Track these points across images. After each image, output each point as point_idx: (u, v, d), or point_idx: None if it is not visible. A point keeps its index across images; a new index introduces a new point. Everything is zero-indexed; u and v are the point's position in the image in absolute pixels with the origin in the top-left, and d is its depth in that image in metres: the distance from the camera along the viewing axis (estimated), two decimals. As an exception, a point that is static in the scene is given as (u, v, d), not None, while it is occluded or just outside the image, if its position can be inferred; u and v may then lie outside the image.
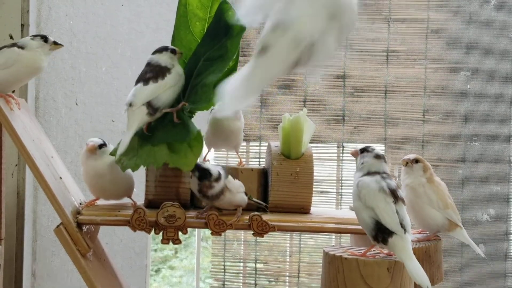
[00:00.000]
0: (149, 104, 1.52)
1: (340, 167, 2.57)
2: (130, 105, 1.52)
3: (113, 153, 1.56)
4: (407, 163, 1.67)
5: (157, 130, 1.55)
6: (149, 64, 1.58)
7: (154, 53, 1.60)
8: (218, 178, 1.49)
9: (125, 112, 1.53)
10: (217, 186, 1.49)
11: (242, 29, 1.52)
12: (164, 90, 1.53)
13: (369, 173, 1.42)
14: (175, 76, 1.55)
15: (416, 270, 1.31)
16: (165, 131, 1.53)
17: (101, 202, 1.64)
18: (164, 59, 1.57)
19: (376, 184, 1.39)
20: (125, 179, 1.60)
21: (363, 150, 1.45)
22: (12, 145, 1.75)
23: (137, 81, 1.55)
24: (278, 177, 1.62)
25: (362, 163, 1.44)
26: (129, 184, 1.62)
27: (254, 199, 1.61)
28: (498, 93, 2.52)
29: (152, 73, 1.54)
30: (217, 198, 1.50)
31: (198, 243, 2.66)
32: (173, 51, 1.58)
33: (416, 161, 1.67)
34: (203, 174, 1.48)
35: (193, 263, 2.88)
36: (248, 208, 1.60)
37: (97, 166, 1.58)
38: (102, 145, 1.59)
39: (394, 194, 1.38)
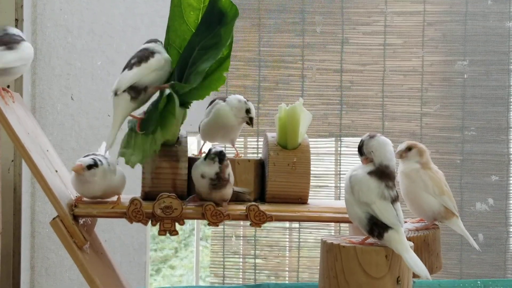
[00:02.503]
0: (131, 88, 1.50)
1: (338, 161, 2.56)
2: (116, 93, 1.50)
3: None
4: (401, 155, 1.66)
5: (151, 120, 1.53)
6: (140, 50, 1.58)
7: (148, 42, 1.60)
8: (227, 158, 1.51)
9: (110, 98, 1.52)
10: (229, 166, 1.50)
11: (235, 15, 1.51)
12: (148, 72, 1.52)
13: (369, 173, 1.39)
14: (159, 60, 1.54)
15: (414, 261, 1.31)
16: (156, 116, 1.53)
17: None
18: (157, 48, 1.57)
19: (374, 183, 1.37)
20: (117, 184, 1.55)
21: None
22: (8, 141, 1.74)
23: (124, 67, 1.55)
24: (275, 168, 1.61)
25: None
26: (120, 186, 1.58)
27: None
28: (496, 85, 2.52)
29: (136, 58, 1.54)
30: (227, 183, 1.49)
31: (197, 241, 2.65)
32: (162, 43, 1.61)
33: (409, 148, 1.66)
34: (221, 155, 1.48)
35: (193, 262, 2.87)
36: (241, 199, 1.60)
37: (88, 191, 1.50)
38: (91, 166, 1.48)
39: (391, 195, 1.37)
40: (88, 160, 1.49)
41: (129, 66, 1.53)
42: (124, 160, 1.53)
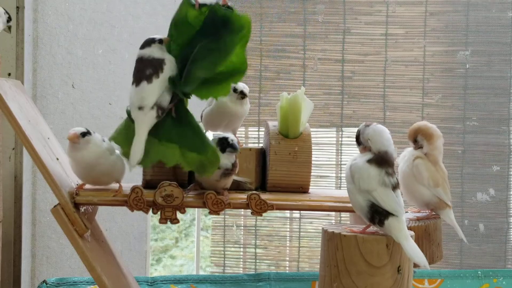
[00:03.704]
0: (158, 107, 1.46)
1: (339, 151, 2.56)
2: (141, 108, 1.45)
3: (125, 154, 1.49)
4: (414, 145, 1.64)
5: (159, 124, 1.50)
6: (141, 60, 1.50)
7: (142, 47, 1.51)
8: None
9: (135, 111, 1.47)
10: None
11: (241, 27, 1.46)
12: (166, 84, 1.48)
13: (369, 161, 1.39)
14: (170, 66, 1.49)
15: (413, 250, 1.31)
16: (169, 129, 1.49)
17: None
18: (156, 51, 1.50)
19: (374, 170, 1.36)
20: (115, 167, 1.54)
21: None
22: (9, 129, 1.74)
23: (138, 81, 1.48)
24: (276, 157, 1.61)
25: None
26: (120, 171, 1.57)
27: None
28: (498, 75, 2.51)
29: (151, 68, 1.47)
30: (234, 172, 1.50)
31: (198, 231, 2.65)
32: (160, 41, 1.51)
33: (414, 140, 1.64)
34: (235, 146, 1.48)
35: (194, 252, 2.88)
36: (242, 188, 1.59)
37: (83, 157, 1.50)
38: (85, 133, 1.50)
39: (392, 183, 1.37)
40: (80, 128, 1.51)
41: (146, 78, 1.47)
42: (120, 150, 1.50)
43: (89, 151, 1.50)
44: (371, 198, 1.35)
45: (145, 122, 1.46)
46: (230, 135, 1.51)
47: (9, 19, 1.67)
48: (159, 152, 1.47)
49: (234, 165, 1.49)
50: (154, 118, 1.46)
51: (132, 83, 1.49)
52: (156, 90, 1.46)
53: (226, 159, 1.48)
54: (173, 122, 1.49)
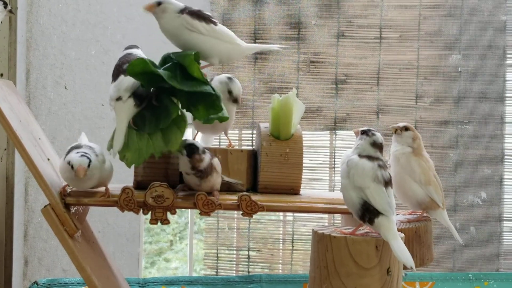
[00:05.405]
0: (135, 95, 1.49)
1: (333, 154, 2.56)
2: (119, 99, 1.48)
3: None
4: (396, 130, 1.67)
5: (147, 119, 1.51)
6: (119, 59, 1.55)
7: (128, 48, 1.59)
8: (204, 151, 1.48)
9: (112, 110, 1.50)
10: (206, 158, 1.48)
11: None
12: None
13: (360, 156, 1.41)
14: None
15: (401, 250, 1.31)
16: (154, 118, 1.51)
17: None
18: (134, 51, 1.56)
19: (368, 164, 1.38)
20: (107, 175, 1.54)
21: (364, 132, 1.45)
22: (0, 129, 1.74)
23: (115, 76, 1.51)
24: (267, 158, 1.61)
25: (357, 146, 1.43)
26: (108, 177, 1.56)
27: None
28: (490, 79, 2.52)
29: (128, 63, 1.50)
30: (209, 174, 1.48)
31: (191, 233, 2.65)
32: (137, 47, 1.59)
33: (406, 128, 1.66)
34: (190, 149, 1.47)
35: (188, 254, 2.88)
36: (233, 189, 1.59)
37: (85, 184, 1.49)
38: (89, 164, 1.46)
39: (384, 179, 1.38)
40: (85, 161, 1.46)
41: (123, 71, 1.50)
42: (117, 156, 1.51)
43: (92, 179, 1.48)
44: (364, 195, 1.36)
45: (124, 111, 1.48)
46: (188, 140, 1.50)
47: (5, 5, 1.66)
48: (149, 146, 1.48)
49: (194, 167, 1.48)
50: (132, 107, 1.48)
51: (112, 82, 1.52)
52: (132, 80, 1.48)
53: (181, 161, 1.49)
54: (156, 111, 1.50)
